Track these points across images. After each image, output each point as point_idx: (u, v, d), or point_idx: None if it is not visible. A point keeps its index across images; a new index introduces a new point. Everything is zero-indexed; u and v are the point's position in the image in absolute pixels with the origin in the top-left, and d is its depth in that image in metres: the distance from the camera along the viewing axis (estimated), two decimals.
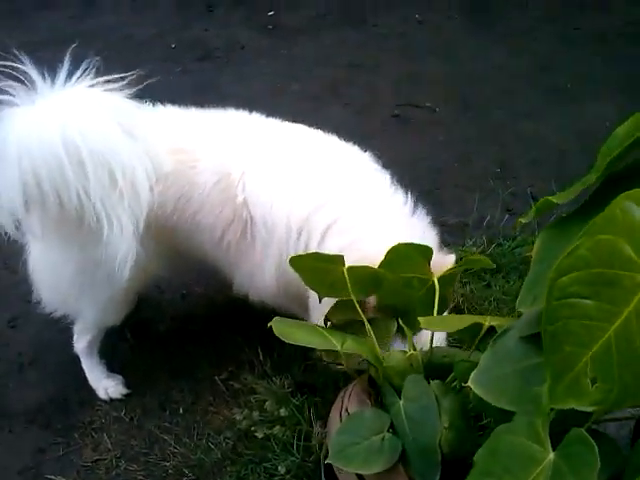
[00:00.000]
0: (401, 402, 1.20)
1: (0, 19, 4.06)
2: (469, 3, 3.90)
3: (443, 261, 1.38)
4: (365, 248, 1.44)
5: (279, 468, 1.53)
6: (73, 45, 1.62)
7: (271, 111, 3.18)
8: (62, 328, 2.11)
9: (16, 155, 1.35)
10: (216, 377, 1.88)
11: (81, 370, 1.95)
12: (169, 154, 1.57)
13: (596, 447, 0.76)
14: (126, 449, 1.76)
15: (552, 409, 0.85)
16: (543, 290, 0.82)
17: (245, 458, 1.66)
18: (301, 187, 1.58)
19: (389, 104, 3.12)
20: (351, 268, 1.31)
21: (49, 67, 3.59)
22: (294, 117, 1.80)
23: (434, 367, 1.29)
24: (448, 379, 1.22)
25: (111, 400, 1.88)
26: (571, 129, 2.99)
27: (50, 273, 1.71)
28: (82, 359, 1.90)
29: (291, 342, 1.23)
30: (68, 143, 1.34)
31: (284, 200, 1.57)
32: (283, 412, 1.63)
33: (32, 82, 1.43)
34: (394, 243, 1.31)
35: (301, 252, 1.50)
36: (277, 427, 1.60)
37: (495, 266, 1.92)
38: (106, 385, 1.89)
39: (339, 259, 1.28)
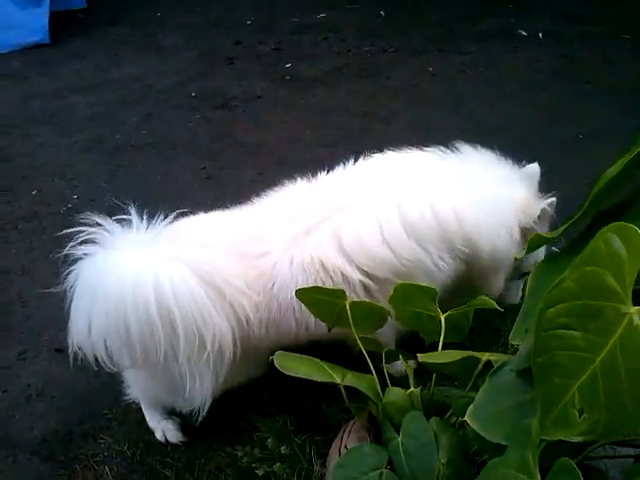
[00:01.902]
0: (400, 438, 1.20)
1: (30, 68, 4.25)
2: (481, 58, 4.01)
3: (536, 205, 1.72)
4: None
5: None
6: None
7: (285, 157, 3.27)
8: (70, 363, 2.15)
9: (112, 306, 1.42)
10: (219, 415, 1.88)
11: (86, 404, 1.98)
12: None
13: (580, 475, 0.76)
14: None
15: (542, 440, 0.85)
16: (534, 322, 0.84)
17: None
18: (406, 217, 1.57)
19: None
20: (354, 303, 1.33)
21: (74, 114, 3.70)
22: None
23: (434, 405, 1.30)
24: (446, 416, 1.22)
25: (168, 443, 1.84)
26: (580, 179, 3.02)
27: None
28: (140, 399, 1.88)
29: (292, 375, 1.25)
30: (162, 307, 1.40)
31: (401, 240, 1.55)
32: (284, 450, 1.62)
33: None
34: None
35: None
36: (277, 465, 1.59)
37: (502, 309, 1.91)
38: (165, 427, 1.85)
39: (341, 293, 1.31)
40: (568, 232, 1.00)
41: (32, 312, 2.37)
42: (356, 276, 1.50)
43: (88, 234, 1.52)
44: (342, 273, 1.51)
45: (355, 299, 1.43)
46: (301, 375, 1.23)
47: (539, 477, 0.82)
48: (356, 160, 1.82)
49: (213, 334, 1.46)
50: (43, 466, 1.83)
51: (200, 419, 1.62)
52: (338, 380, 1.25)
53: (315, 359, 1.32)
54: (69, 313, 1.53)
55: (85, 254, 1.50)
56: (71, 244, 1.53)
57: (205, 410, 1.61)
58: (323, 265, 1.53)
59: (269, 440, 1.66)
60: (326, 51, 4.20)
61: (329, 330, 1.49)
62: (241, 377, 1.67)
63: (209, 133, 3.45)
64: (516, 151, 3.19)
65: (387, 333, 1.54)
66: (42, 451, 1.87)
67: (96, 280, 1.46)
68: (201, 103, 3.71)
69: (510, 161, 1.88)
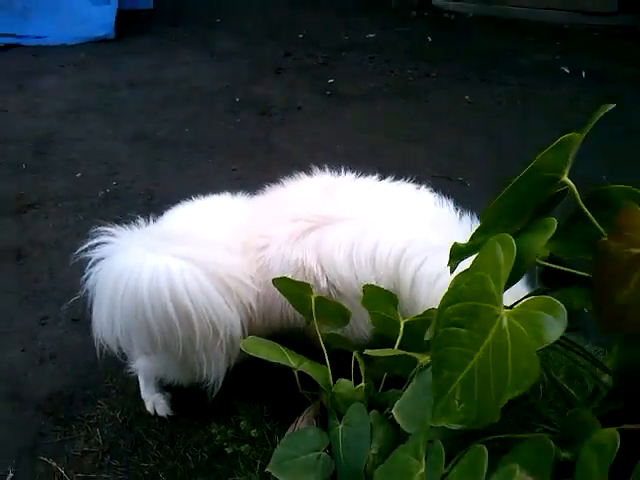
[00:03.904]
0: (340, 426, 1.32)
1: (94, 60, 4.56)
2: (520, 92, 4.07)
3: None
4: None
5: None
6: None
7: (313, 166, 3.41)
8: (84, 333, 2.34)
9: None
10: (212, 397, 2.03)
11: (92, 371, 2.16)
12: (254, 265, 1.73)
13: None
14: (113, 446, 1.92)
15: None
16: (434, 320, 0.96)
17: (215, 472, 1.79)
18: (372, 250, 1.65)
19: (423, 174, 3.29)
20: (319, 298, 1.46)
21: (125, 106, 3.92)
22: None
23: (380, 401, 1.41)
24: (386, 411, 1.33)
25: (156, 415, 1.99)
26: None
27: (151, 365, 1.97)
28: (140, 371, 2.02)
29: (254, 355, 1.39)
30: (177, 304, 1.56)
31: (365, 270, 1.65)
32: (254, 433, 1.75)
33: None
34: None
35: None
36: (246, 446, 1.72)
37: None
38: (156, 400, 2.01)
39: (307, 286, 1.44)
40: None
41: (57, 283, 2.58)
42: (323, 284, 1.64)
43: (101, 236, 1.68)
44: (314, 278, 1.65)
45: None
46: (261, 356, 1.37)
47: (424, 459, 0.93)
48: (376, 176, 1.92)
49: (225, 324, 1.63)
50: (44, 421, 2.01)
51: (214, 394, 1.78)
52: (294, 365, 1.38)
53: (279, 345, 1.45)
54: (91, 312, 1.69)
55: (99, 258, 1.66)
56: (86, 245, 1.69)
57: (218, 387, 1.78)
58: (303, 267, 1.67)
59: (242, 422, 1.80)
60: (370, 70, 4.34)
61: (307, 323, 1.63)
62: (244, 355, 1.82)
63: (246, 137, 3.64)
64: None
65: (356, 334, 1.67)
66: (46, 408, 2.06)
67: (113, 283, 1.59)
68: (243, 108, 3.91)
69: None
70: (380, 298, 1.46)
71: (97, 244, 1.74)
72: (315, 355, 1.69)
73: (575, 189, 0.92)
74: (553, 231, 0.88)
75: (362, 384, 1.38)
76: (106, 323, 1.67)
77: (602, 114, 0.93)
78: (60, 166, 3.37)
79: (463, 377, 0.87)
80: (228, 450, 1.75)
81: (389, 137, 3.64)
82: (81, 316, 2.41)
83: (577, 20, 4.89)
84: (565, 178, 0.92)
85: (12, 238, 2.84)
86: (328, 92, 4.07)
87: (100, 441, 1.94)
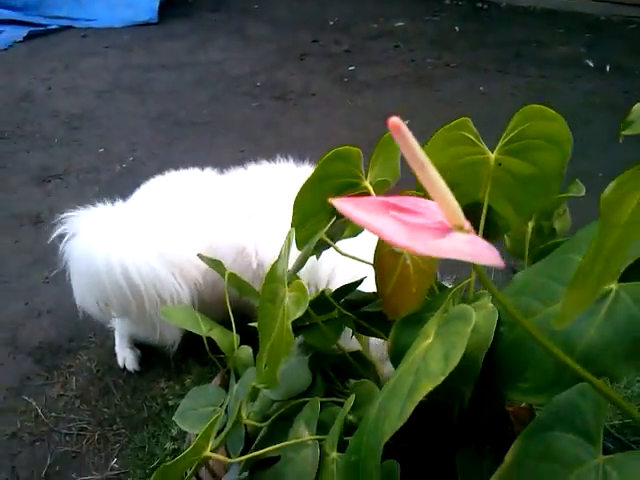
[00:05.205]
0: (236, 386, 1.51)
1: (135, 42, 4.85)
2: (537, 84, 4.05)
3: None
4: None
5: (172, 431, 1.89)
6: None
7: (318, 150, 3.57)
8: None
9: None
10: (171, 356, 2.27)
11: (80, 326, 2.44)
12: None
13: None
14: (84, 393, 2.20)
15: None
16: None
17: (163, 421, 2.03)
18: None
19: None
20: (231, 274, 1.65)
21: (155, 87, 4.22)
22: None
23: None
24: None
25: (125, 369, 2.26)
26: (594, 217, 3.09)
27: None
28: (116, 328, 2.31)
29: (168, 320, 1.60)
30: (128, 277, 1.82)
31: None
32: None
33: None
34: None
35: None
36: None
37: None
38: (126, 355, 2.27)
39: (219, 263, 1.63)
40: None
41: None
42: (254, 265, 1.88)
43: (71, 215, 1.97)
44: (249, 260, 1.88)
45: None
46: (174, 322, 1.57)
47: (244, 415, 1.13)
48: None
49: (171, 296, 1.89)
50: (32, 366, 2.32)
51: (173, 353, 2.11)
52: (204, 331, 1.58)
53: (195, 313, 1.65)
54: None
55: (68, 235, 1.95)
56: (60, 225, 1.99)
57: (175, 347, 2.09)
58: (243, 249, 1.88)
59: (187, 380, 2.03)
60: (391, 58, 4.42)
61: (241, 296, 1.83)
62: None
63: (259, 120, 3.83)
64: None
65: None
66: (35, 355, 2.36)
67: (76, 260, 1.91)
68: (262, 92, 4.10)
69: None
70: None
71: (67, 222, 2.01)
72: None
73: (374, 193, 1.06)
74: (328, 225, 1.03)
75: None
76: (79, 292, 1.97)
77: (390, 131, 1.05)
78: (87, 141, 3.68)
79: (270, 344, 1.05)
80: (171, 403, 1.98)
81: None
82: None
83: (615, 11, 4.77)
84: (366, 184, 1.06)
85: (34, 204, 3.17)
86: (346, 79, 4.19)
87: (74, 387, 2.22)
